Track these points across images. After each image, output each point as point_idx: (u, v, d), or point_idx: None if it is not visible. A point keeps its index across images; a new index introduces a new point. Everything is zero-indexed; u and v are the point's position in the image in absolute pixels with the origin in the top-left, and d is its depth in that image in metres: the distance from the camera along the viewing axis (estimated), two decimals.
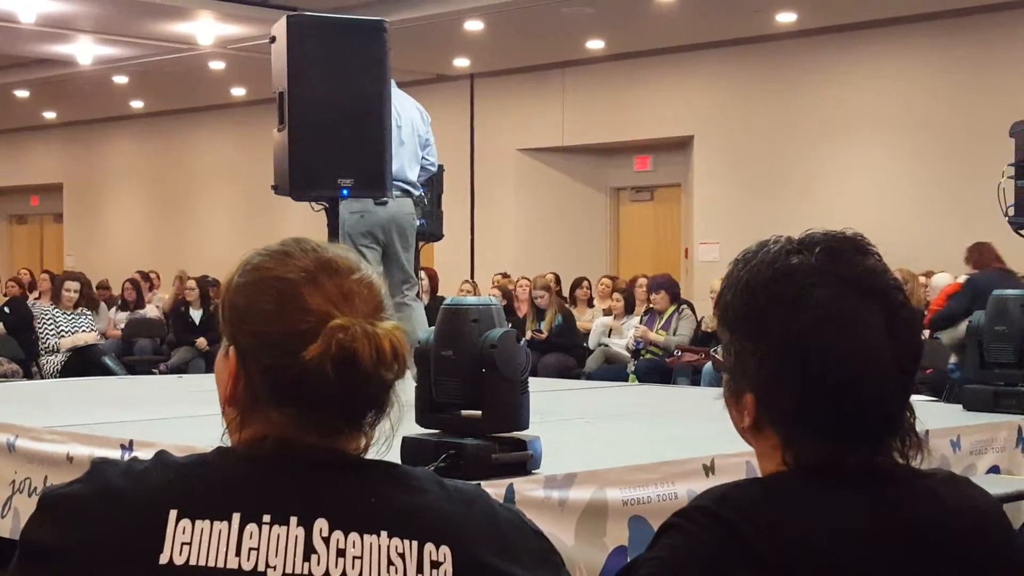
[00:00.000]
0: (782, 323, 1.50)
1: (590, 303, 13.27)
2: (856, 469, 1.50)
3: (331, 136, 5.81)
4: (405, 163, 6.54)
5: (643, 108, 15.59)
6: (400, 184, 6.45)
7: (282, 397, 1.52)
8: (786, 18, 13.59)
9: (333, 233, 6.01)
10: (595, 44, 15.10)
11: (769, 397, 1.53)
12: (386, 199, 6.31)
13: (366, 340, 1.49)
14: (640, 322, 11.59)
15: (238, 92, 18.46)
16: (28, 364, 11.80)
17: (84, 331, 11.73)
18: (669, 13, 13.33)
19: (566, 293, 13.50)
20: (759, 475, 1.57)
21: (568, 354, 11.98)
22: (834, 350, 1.48)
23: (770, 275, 1.53)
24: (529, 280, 12.72)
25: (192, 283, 13.46)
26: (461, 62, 16.08)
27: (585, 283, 13.46)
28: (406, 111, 6.60)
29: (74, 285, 11.88)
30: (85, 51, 15.88)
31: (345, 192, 5.88)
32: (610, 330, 11.99)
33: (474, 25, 14.00)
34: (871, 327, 1.49)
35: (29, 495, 4.61)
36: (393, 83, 6.58)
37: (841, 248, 1.53)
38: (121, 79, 17.75)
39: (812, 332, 1.48)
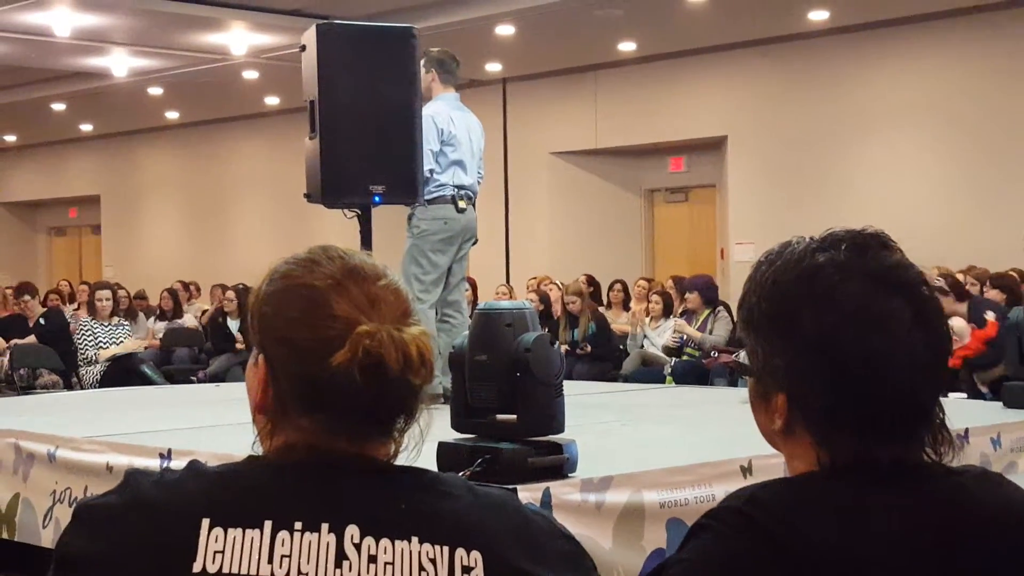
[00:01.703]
0: (813, 320, 1.50)
1: (626, 306, 13.24)
2: (888, 467, 1.49)
3: (362, 143, 5.83)
4: (476, 175, 6.62)
5: (676, 109, 15.55)
6: (470, 193, 6.52)
7: (311, 404, 1.53)
8: (818, 16, 13.52)
9: (366, 240, 6.03)
10: (627, 46, 15.08)
11: (801, 396, 1.52)
12: (465, 207, 6.42)
13: (392, 346, 1.49)
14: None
15: (272, 101, 18.55)
16: (68, 375, 11.88)
17: (124, 342, 11.82)
18: (700, 13, 13.29)
19: (603, 295, 13.47)
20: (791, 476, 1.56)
21: (604, 360, 11.94)
22: (866, 345, 1.48)
23: (798, 273, 1.53)
24: (559, 285, 12.70)
25: (231, 294, 13.53)
26: (493, 66, 16.09)
27: (618, 285, 13.43)
28: (475, 124, 6.66)
29: (105, 294, 11.97)
30: (120, 63, 16.00)
31: (377, 199, 5.91)
32: (644, 335, 11.95)
33: (505, 29, 14.01)
34: (900, 321, 1.49)
35: (70, 505, 4.64)
36: (458, 96, 6.64)
37: (866, 244, 1.53)
38: (156, 90, 17.87)
39: (843, 328, 1.48)
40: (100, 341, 11.68)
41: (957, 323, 8.74)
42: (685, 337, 11.20)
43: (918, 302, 1.51)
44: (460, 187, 6.45)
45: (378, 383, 1.49)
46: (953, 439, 1.54)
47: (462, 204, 6.44)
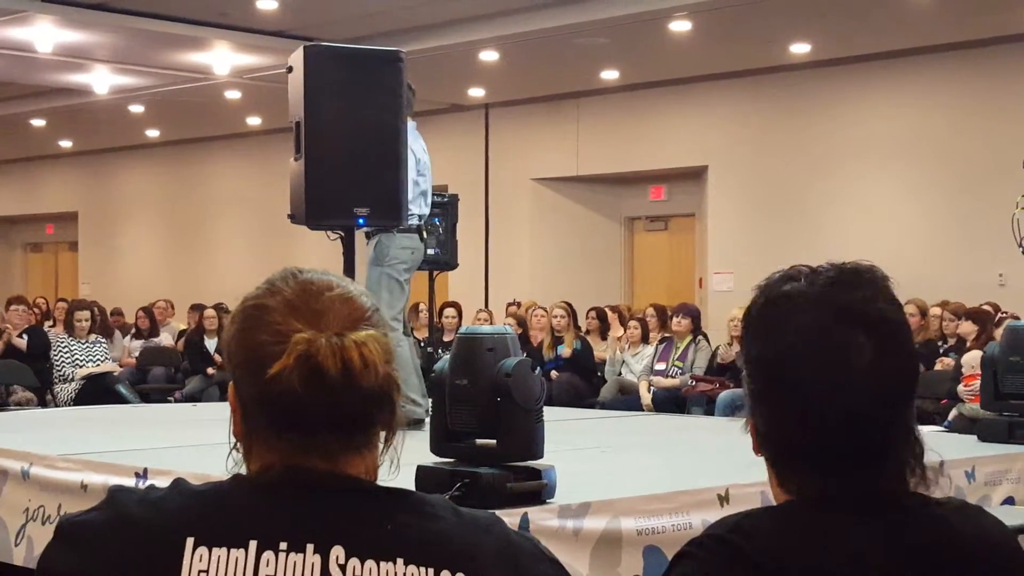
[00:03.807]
0: (763, 348, 1.54)
1: (603, 334, 13.25)
2: (863, 497, 1.50)
3: (347, 165, 5.85)
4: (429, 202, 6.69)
5: (657, 138, 15.61)
6: (427, 224, 6.59)
7: (275, 423, 1.53)
8: (800, 49, 13.61)
9: (348, 261, 6.03)
10: (609, 74, 15.14)
11: (757, 418, 1.56)
12: (425, 237, 6.49)
13: (330, 351, 1.49)
14: (655, 351, 11.57)
15: (254, 121, 18.54)
16: (43, 392, 11.82)
17: (100, 360, 11.78)
18: (683, 44, 13.37)
19: (582, 323, 13.48)
20: (774, 504, 1.58)
21: (584, 379, 11.95)
22: (805, 375, 1.50)
23: (763, 302, 1.57)
24: (545, 310, 12.72)
25: (211, 312, 13.48)
26: (476, 92, 16.14)
27: (592, 312, 13.45)
28: (426, 152, 6.69)
29: (84, 315, 11.95)
30: (102, 80, 15.97)
31: (361, 221, 5.92)
32: (623, 361, 11.97)
33: (489, 55, 14.05)
34: (854, 355, 1.50)
35: (43, 523, 4.61)
36: (415, 124, 6.65)
37: (840, 278, 1.55)
38: (137, 108, 17.84)
39: (786, 358, 1.51)
40: (77, 359, 11.64)
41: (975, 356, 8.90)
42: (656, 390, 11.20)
43: (879, 336, 1.51)
44: (422, 217, 6.51)
45: (320, 391, 1.49)
46: (927, 472, 1.55)
47: (424, 234, 6.52)
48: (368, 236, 6.44)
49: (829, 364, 1.49)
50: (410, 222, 6.38)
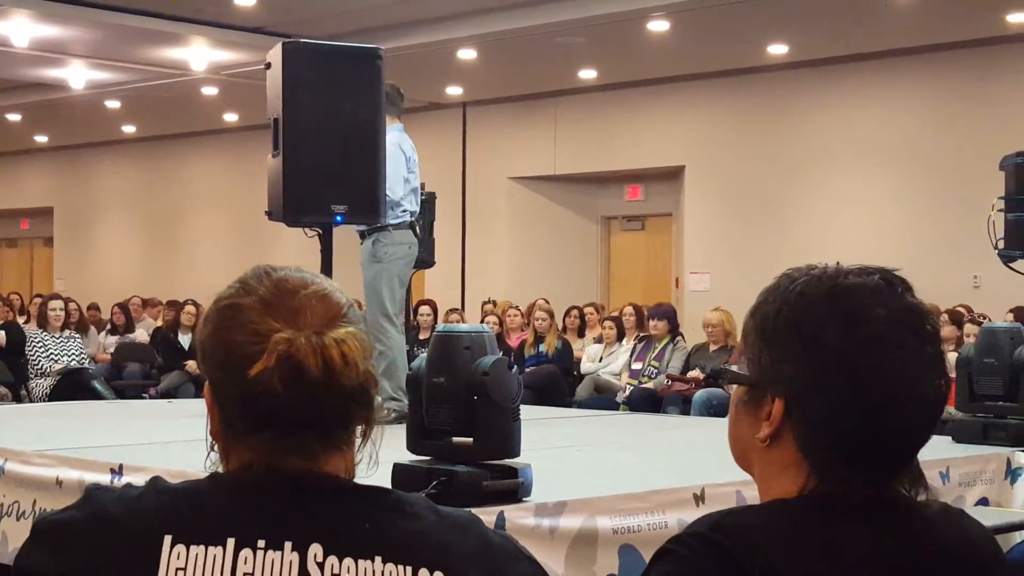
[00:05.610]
0: (837, 334, 1.51)
1: (581, 332, 13.27)
2: (860, 498, 1.51)
3: (325, 163, 5.84)
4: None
5: (635, 137, 15.64)
6: (413, 216, 6.59)
7: (254, 423, 1.52)
8: (777, 50, 13.66)
9: (326, 259, 6.02)
10: (587, 74, 15.16)
11: (802, 404, 1.52)
12: (418, 233, 6.54)
13: (310, 350, 1.49)
14: (633, 350, 11.59)
15: (231, 118, 18.49)
16: (17, 387, 11.76)
17: (75, 354, 11.73)
18: (661, 44, 13.39)
19: (559, 322, 13.50)
20: (748, 503, 1.58)
21: (563, 375, 11.98)
22: (884, 370, 1.50)
23: (830, 287, 1.55)
24: (519, 311, 12.71)
25: (191, 307, 13.41)
26: (454, 90, 16.13)
27: (574, 312, 13.47)
28: (414, 150, 6.72)
29: (58, 304, 11.92)
30: (78, 75, 15.90)
31: (339, 218, 5.91)
32: (600, 357, 12.00)
33: (467, 54, 14.05)
34: (919, 359, 1.52)
35: (18, 519, 4.59)
36: (403, 127, 6.65)
37: (894, 280, 1.56)
38: (113, 104, 17.77)
39: (867, 348, 1.50)
40: (51, 353, 11.59)
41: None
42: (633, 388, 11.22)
43: (933, 347, 1.54)
44: (414, 213, 6.55)
45: (301, 390, 1.48)
46: (926, 480, 1.56)
47: (417, 230, 6.56)
48: (363, 235, 6.47)
49: (900, 362, 1.50)
50: (403, 219, 6.44)
